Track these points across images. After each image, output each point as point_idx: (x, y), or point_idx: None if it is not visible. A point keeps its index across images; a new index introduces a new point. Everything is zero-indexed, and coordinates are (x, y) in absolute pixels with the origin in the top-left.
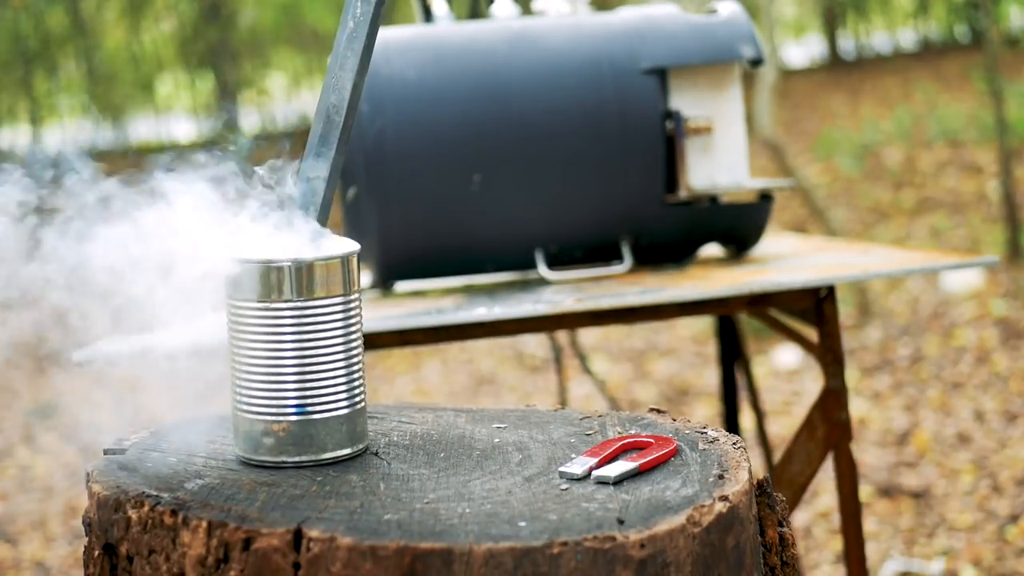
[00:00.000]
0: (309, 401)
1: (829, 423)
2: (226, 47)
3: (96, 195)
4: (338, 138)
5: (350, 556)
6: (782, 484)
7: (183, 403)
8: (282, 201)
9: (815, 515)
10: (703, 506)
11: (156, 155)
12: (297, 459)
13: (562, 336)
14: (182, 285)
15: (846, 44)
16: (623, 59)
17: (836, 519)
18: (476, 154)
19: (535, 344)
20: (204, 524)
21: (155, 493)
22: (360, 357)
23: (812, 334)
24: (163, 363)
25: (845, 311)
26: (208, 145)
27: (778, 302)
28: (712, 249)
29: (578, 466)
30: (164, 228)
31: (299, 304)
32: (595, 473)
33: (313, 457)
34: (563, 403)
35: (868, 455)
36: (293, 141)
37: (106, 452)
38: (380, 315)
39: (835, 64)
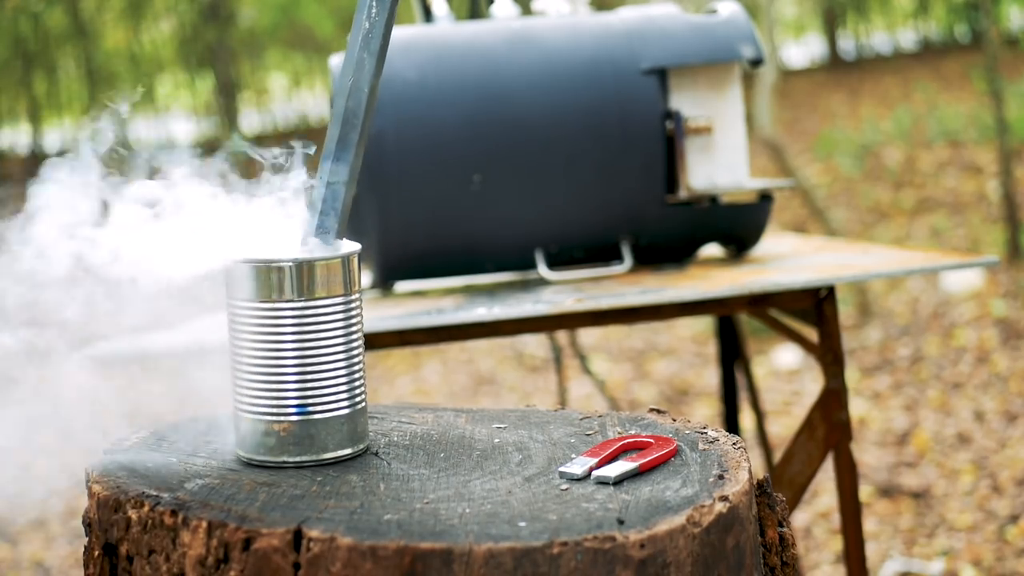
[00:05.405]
0: (310, 401)
1: (829, 423)
2: (225, 47)
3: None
4: (356, 141)
5: (350, 556)
6: (782, 484)
7: (183, 403)
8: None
9: (815, 515)
10: (703, 506)
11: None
12: (298, 459)
13: (562, 336)
14: (186, 285)
15: (846, 44)
16: (623, 59)
17: (836, 519)
18: (476, 154)
19: (535, 344)
20: (204, 524)
21: (155, 493)
22: (361, 357)
23: (812, 334)
24: (164, 363)
25: (845, 311)
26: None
27: (778, 302)
28: (712, 249)
29: (578, 466)
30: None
31: (300, 304)
32: (595, 473)
33: (314, 457)
34: (563, 403)
35: (868, 455)
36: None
37: (106, 452)
38: (380, 315)
39: (835, 64)
